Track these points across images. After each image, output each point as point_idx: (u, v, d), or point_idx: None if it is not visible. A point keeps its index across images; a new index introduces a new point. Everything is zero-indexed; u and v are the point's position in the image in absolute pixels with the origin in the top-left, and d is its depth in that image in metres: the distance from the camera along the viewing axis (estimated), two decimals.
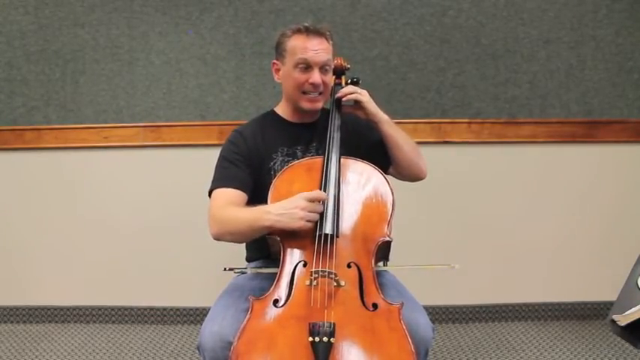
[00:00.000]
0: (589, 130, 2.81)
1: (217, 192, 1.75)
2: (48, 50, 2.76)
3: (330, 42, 1.82)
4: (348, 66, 1.96)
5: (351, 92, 1.84)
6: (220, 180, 1.78)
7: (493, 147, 2.82)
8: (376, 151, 1.86)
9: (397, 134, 1.85)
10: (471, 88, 2.78)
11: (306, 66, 1.77)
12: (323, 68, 1.78)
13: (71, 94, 2.79)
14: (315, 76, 1.77)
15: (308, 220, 1.55)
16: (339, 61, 1.92)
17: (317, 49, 1.76)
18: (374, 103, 1.85)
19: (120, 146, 2.82)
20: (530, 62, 2.77)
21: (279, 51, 1.84)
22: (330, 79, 1.84)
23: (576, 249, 2.89)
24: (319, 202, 1.58)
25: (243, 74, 2.77)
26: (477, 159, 2.83)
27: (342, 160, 1.73)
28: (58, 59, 2.76)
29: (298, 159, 1.80)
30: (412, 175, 1.91)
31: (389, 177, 1.78)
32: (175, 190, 2.83)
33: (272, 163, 1.83)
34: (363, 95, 1.84)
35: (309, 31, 1.78)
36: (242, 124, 1.94)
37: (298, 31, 1.78)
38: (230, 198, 1.73)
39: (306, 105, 1.82)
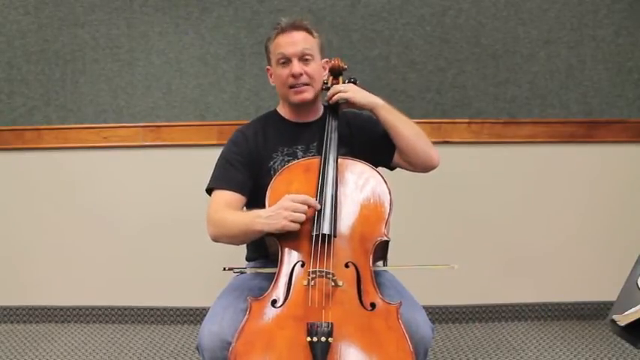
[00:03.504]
0: (589, 130, 2.80)
1: (215, 194, 1.78)
2: (48, 50, 2.76)
3: (311, 31, 1.82)
4: (345, 66, 1.94)
5: (335, 93, 1.84)
6: (218, 180, 1.80)
7: (493, 147, 2.81)
8: (382, 142, 1.86)
9: (395, 119, 1.82)
10: (471, 88, 2.78)
11: (285, 60, 1.79)
12: (303, 58, 1.78)
13: (71, 94, 2.79)
14: (295, 67, 1.77)
15: (292, 221, 1.54)
16: (336, 61, 1.92)
17: (291, 41, 1.78)
18: (363, 93, 1.83)
19: (120, 146, 2.82)
20: (530, 62, 2.77)
21: (267, 55, 1.87)
22: (315, 67, 1.81)
23: (576, 249, 2.89)
24: (305, 204, 1.56)
25: (243, 74, 2.77)
26: (477, 159, 2.83)
27: (339, 160, 1.72)
28: (58, 59, 2.77)
29: (299, 159, 1.80)
30: (421, 163, 1.86)
31: (387, 176, 1.77)
32: (175, 190, 2.83)
33: (272, 163, 1.83)
34: (347, 92, 1.82)
35: (283, 28, 1.80)
36: (245, 124, 1.95)
37: (276, 32, 1.81)
38: (227, 201, 1.75)
39: (294, 98, 1.82)
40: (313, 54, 1.81)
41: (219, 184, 1.79)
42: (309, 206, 1.58)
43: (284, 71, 1.79)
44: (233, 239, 1.70)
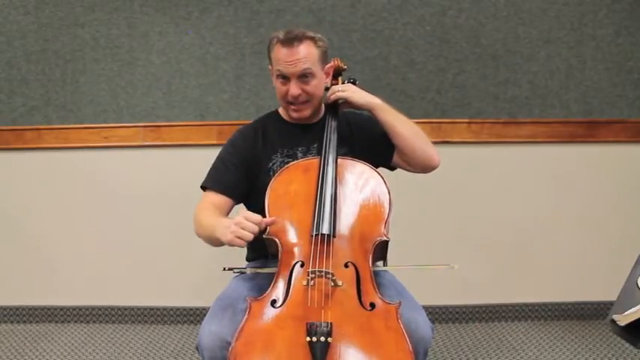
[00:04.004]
0: (589, 130, 2.80)
1: (204, 193, 1.81)
2: (48, 50, 2.76)
3: (314, 44, 1.76)
4: (345, 67, 1.94)
5: (333, 93, 1.83)
6: (209, 180, 1.83)
7: (493, 147, 2.81)
8: (382, 142, 1.85)
9: (394, 119, 1.82)
10: (471, 88, 2.78)
11: (284, 77, 1.76)
12: (303, 76, 1.75)
13: (71, 94, 2.79)
14: (292, 89, 1.75)
15: (238, 237, 1.49)
16: (335, 62, 1.91)
17: (291, 60, 1.73)
18: (361, 93, 1.82)
19: (120, 146, 2.82)
20: (530, 62, 2.76)
21: (268, 57, 1.83)
22: (315, 84, 1.79)
23: (576, 249, 2.88)
24: (254, 223, 1.50)
25: (243, 74, 2.77)
26: (477, 159, 2.83)
27: (339, 160, 1.72)
28: (58, 59, 2.77)
29: (298, 160, 1.80)
30: (420, 163, 1.84)
31: (387, 176, 1.77)
32: (175, 190, 2.83)
33: (271, 164, 1.83)
34: (345, 91, 1.81)
35: (283, 41, 1.73)
36: (245, 124, 1.95)
37: (277, 40, 1.75)
38: (212, 202, 1.77)
39: (292, 114, 1.83)
40: (314, 71, 1.76)
41: (209, 183, 1.81)
42: (263, 225, 1.53)
43: (282, 87, 1.78)
44: (208, 241, 1.69)
